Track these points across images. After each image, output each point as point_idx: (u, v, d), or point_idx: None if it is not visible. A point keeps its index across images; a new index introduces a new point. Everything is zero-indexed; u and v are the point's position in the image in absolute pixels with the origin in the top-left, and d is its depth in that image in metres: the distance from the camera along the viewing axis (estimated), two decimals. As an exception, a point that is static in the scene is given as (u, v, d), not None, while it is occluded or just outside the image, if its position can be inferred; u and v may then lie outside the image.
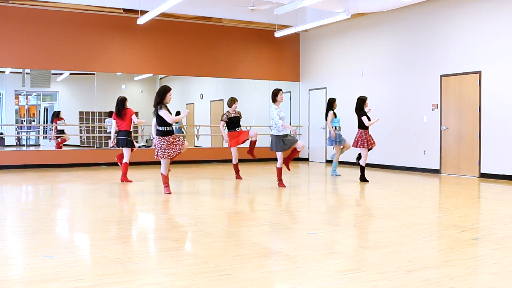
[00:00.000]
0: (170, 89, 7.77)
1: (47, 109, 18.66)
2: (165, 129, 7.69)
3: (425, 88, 11.91)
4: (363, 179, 9.82)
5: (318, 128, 15.27)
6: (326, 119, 10.95)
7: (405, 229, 5.42)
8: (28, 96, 18.91)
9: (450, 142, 11.35)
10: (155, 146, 7.84)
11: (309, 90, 15.80)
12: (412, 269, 3.84)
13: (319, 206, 7.48)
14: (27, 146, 17.29)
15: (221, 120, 10.15)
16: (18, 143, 17.29)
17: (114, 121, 9.51)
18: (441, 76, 11.51)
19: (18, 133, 17.40)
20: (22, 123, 18.67)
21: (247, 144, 10.29)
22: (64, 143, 15.07)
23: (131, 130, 9.54)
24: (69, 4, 12.20)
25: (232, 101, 10.19)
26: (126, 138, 9.38)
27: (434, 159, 11.71)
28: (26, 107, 19.15)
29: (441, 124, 11.53)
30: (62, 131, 15.42)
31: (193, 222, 5.89)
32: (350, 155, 12.29)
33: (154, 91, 18.91)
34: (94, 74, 14.63)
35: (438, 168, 11.59)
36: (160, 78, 18.58)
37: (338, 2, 11.71)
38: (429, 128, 11.80)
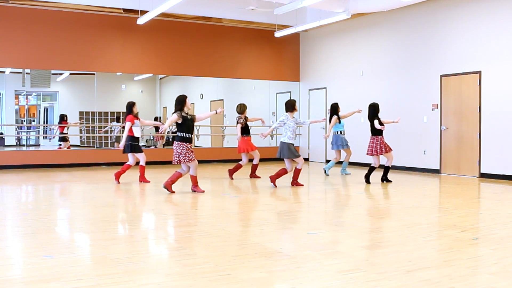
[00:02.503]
0: (186, 96, 8.00)
1: (47, 109, 18.66)
2: (184, 135, 7.90)
3: (425, 88, 11.91)
4: (385, 179, 9.65)
5: (318, 128, 15.25)
6: (330, 122, 10.97)
7: (405, 229, 5.42)
8: (28, 96, 18.91)
9: (450, 142, 11.35)
10: (177, 152, 7.91)
11: (309, 90, 15.79)
12: (412, 269, 3.84)
13: (319, 206, 7.48)
14: (27, 146, 17.30)
15: (239, 123, 10.07)
16: (18, 143, 17.30)
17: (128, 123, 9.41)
18: (441, 76, 11.51)
19: (18, 133, 17.40)
20: (22, 123, 18.68)
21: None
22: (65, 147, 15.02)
23: (136, 135, 9.39)
24: (69, 4, 12.20)
25: (245, 108, 10.19)
26: (129, 144, 9.40)
27: (434, 159, 11.71)
28: (26, 107, 19.15)
29: (441, 124, 11.53)
30: (64, 136, 15.35)
31: (193, 222, 5.89)
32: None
33: (154, 91, 18.85)
34: (94, 74, 14.64)
35: (438, 168, 11.59)
36: (160, 78, 18.59)
37: (338, 2, 11.71)
38: (429, 128, 11.80)
